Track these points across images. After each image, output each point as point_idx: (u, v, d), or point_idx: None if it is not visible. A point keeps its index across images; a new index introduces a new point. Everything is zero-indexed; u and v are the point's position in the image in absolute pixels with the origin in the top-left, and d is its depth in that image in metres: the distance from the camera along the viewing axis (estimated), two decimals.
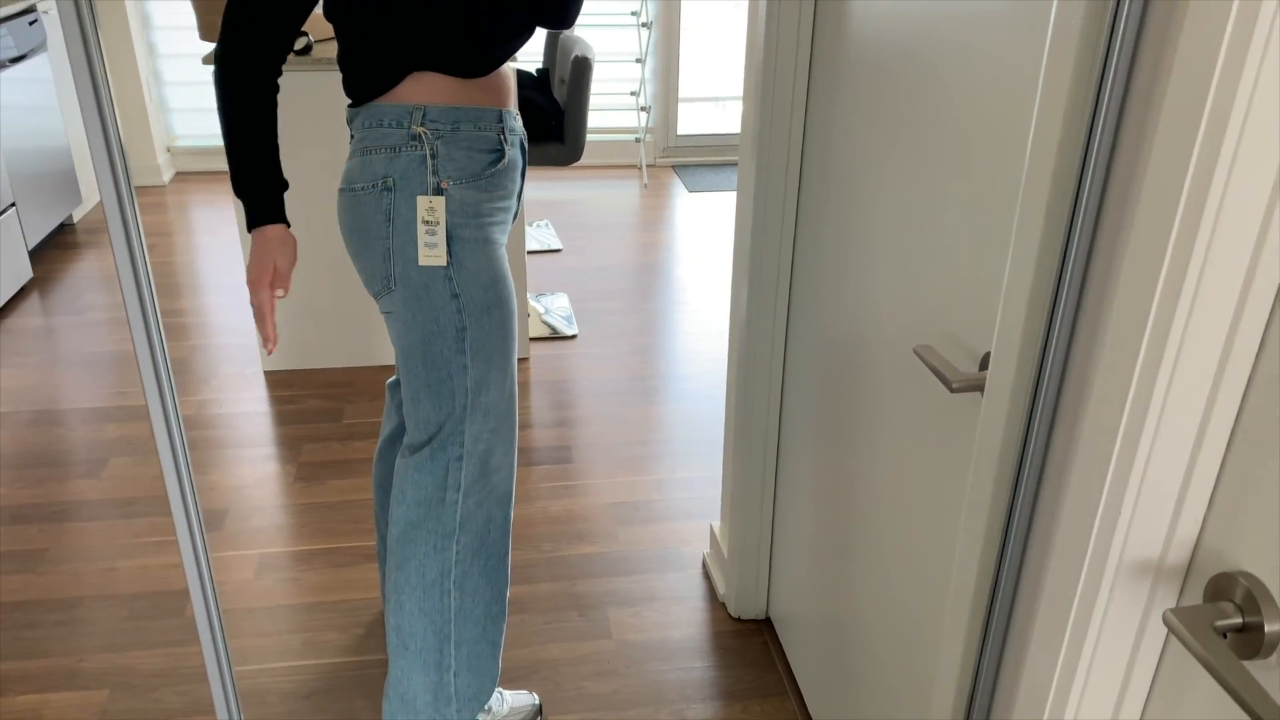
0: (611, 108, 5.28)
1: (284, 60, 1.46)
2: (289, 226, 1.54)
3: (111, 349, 3.33)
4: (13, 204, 3.67)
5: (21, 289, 3.74)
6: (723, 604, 2.25)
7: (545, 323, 3.54)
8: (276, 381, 3.16)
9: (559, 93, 3.44)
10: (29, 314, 3.56)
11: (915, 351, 1.21)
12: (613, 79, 5.24)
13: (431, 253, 1.48)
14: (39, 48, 4.01)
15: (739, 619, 2.21)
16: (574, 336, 3.49)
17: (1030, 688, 1.02)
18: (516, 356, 1.63)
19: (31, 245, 3.84)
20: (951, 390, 1.11)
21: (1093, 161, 0.86)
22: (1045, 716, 1.00)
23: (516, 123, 1.58)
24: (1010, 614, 1.08)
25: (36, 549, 2.38)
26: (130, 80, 4.74)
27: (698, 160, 5.39)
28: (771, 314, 1.91)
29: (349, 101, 1.54)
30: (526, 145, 1.64)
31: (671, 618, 2.21)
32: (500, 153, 1.53)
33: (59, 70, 4.20)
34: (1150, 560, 0.88)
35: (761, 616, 2.21)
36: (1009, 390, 1.00)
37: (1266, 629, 0.76)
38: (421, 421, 1.58)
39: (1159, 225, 0.79)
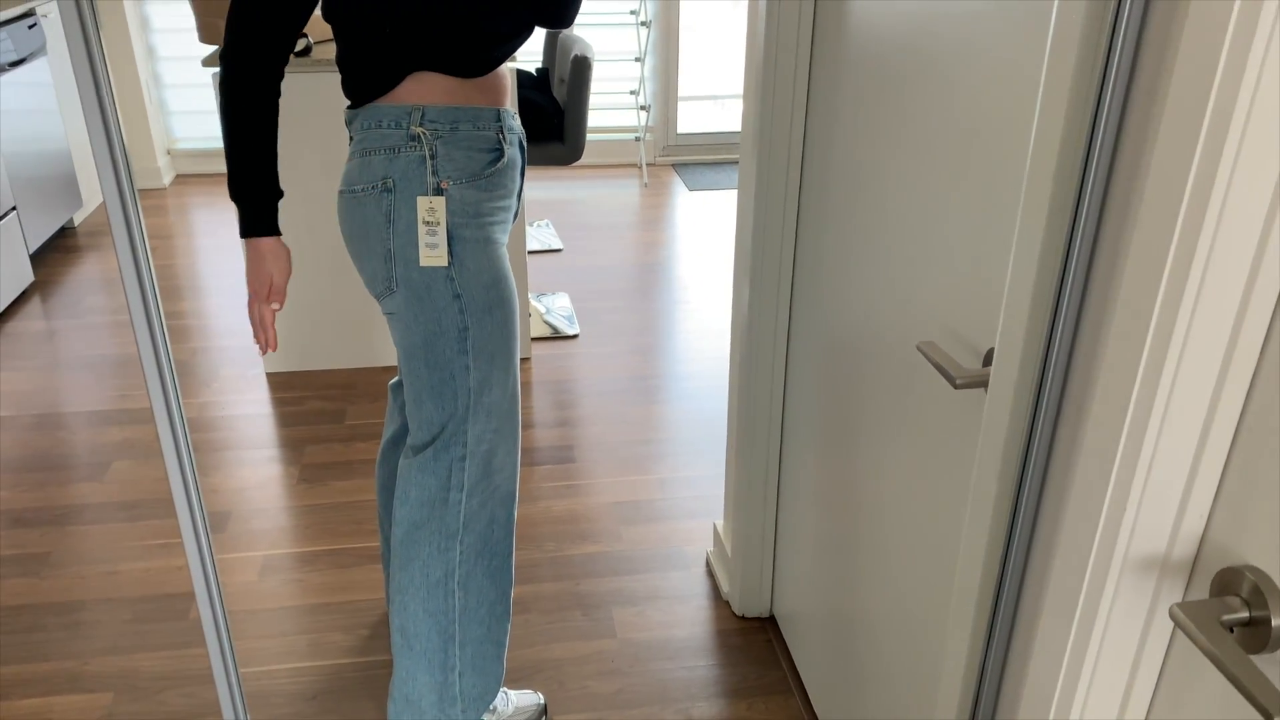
0: (611, 107, 5.28)
1: (286, 60, 1.47)
2: (281, 237, 1.54)
3: (113, 352, 3.33)
4: (13, 208, 3.67)
5: (23, 292, 3.74)
6: (726, 602, 2.25)
7: (547, 322, 3.54)
8: (278, 383, 3.16)
9: (559, 92, 3.44)
10: (30, 317, 3.56)
11: (918, 348, 1.21)
12: (612, 78, 5.24)
13: (432, 253, 1.48)
14: (38, 51, 4.01)
15: (743, 617, 2.21)
16: (575, 336, 3.49)
17: (1036, 683, 1.02)
18: (519, 356, 1.63)
19: (33, 249, 3.84)
20: (955, 386, 1.11)
21: (1095, 157, 0.86)
22: (1052, 712, 0.99)
23: (515, 122, 1.58)
24: (1015, 610, 1.07)
25: (40, 552, 2.38)
26: (130, 83, 4.74)
27: (698, 159, 5.39)
28: (773, 311, 1.90)
29: (348, 103, 1.54)
30: (525, 144, 1.64)
31: (675, 616, 2.21)
32: (499, 152, 1.53)
33: (59, 74, 4.20)
34: (1156, 555, 0.88)
35: (765, 614, 2.21)
36: (1013, 386, 1.00)
37: (1273, 623, 0.76)
38: (424, 422, 1.58)
39: (1163, 220, 0.79)
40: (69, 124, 4.27)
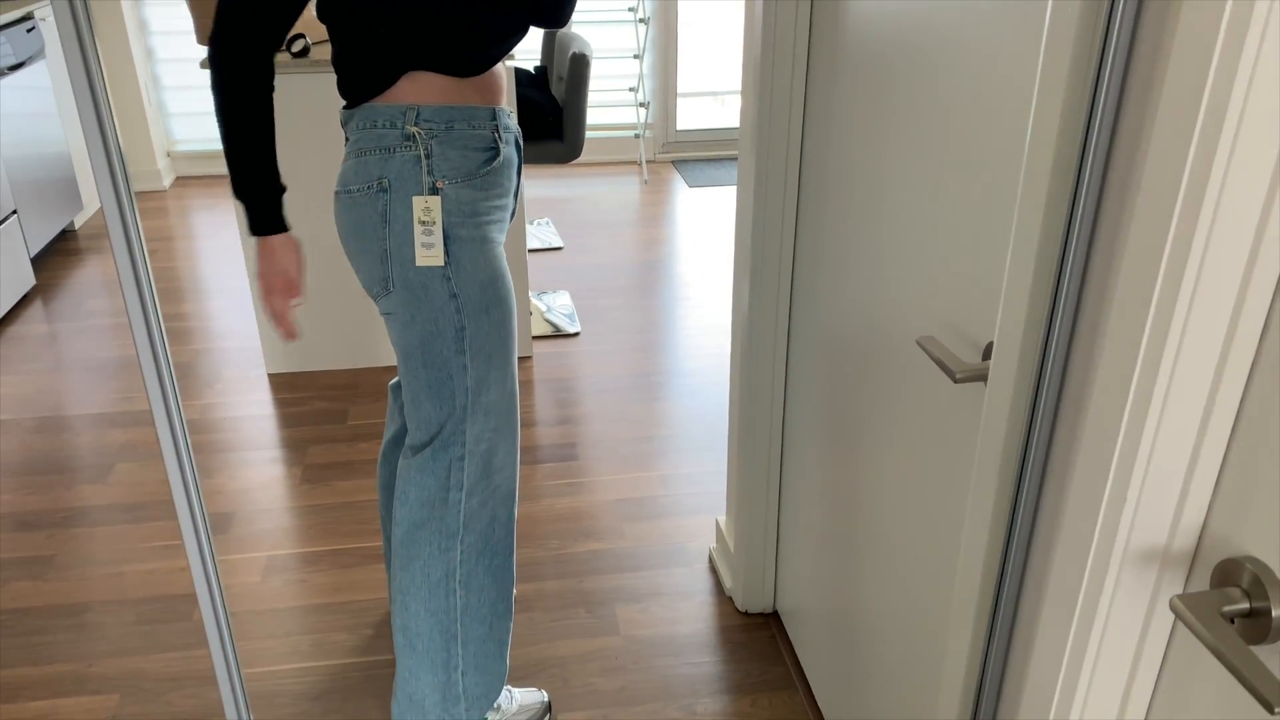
0: (610, 104, 5.28)
1: (276, 50, 1.46)
2: (290, 231, 1.55)
3: (115, 354, 3.33)
4: (14, 211, 3.68)
5: (24, 296, 3.75)
6: (730, 598, 2.25)
7: (547, 321, 3.54)
8: (280, 384, 3.17)
9: (557, 90, 3.44)
10: (32, 321, 3.57)
11: (918, 343, 1.21)
12: (611, 75, 5.23)
13: (429, 253, 1.48)
14: (37, 55, 4.01)
15: (746, 613, 2.21)
16: (576, 334, 3.49)
17: (1038, 676, 1.02)
18: (516, 355, 1.63)
19: (33, 252, 3.85)
20: (955, 381, 1.11)
21: (1092, 150, 0.86)
22: (1053, 704, 0.99)
23: (511, 120, 1.58)
24: (1017, 603, 1.07)
25: (43, 555, 2.39)
26: (129, 86, 4.74)
27: (697, 155, 5.39)
28: (774, 307, 1.90)
29: (344, 104, 1.54)
30: (521, 143, 1.64)
31: (679, 613, 2.21)
32: (495, 151, 1.53)
33: (58, 77, 4.20)
34: (1156, 547, 0.88)
35: (769, 610, 2.21)
36: (1012, 379, 1.00)
37: (1274, 613, 0.76)
38: (423, 422, 1.58)
39: (1160, 212, 0.79)
40: (69, 127, 4.28)
